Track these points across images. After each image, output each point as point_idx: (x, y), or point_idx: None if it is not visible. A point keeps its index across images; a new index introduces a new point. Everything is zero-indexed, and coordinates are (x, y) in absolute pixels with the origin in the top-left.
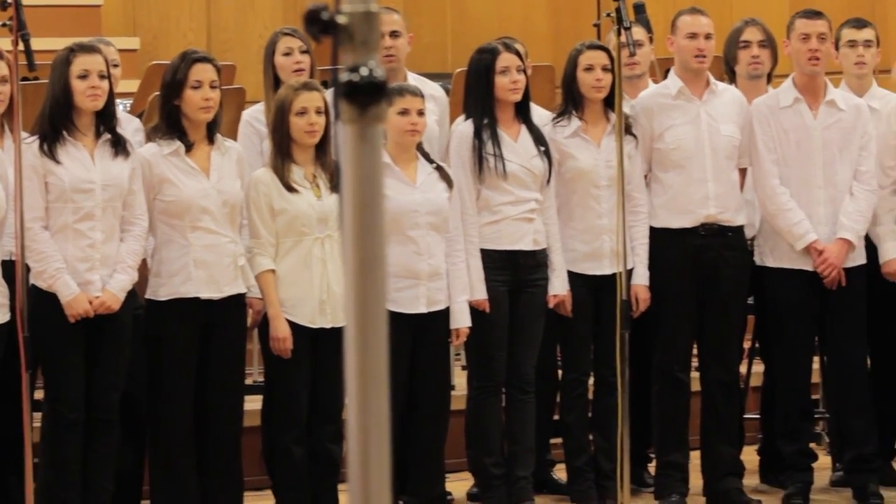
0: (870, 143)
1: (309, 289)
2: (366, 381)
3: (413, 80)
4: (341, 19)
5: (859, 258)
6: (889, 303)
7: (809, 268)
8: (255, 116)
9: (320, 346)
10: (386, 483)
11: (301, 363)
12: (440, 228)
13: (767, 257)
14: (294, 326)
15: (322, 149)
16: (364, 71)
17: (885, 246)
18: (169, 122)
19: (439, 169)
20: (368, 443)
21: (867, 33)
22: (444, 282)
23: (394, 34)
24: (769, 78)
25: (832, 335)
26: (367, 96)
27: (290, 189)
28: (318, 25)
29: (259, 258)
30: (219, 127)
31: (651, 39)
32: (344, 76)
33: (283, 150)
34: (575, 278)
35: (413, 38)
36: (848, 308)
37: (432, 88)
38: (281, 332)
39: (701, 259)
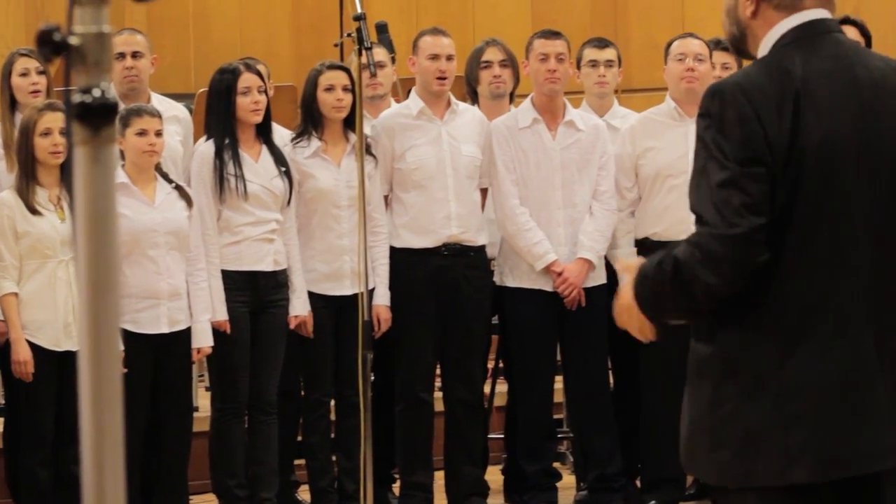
0: (609, 162)
1: (53, 311)
2: (100, 403)
3: (157, 100)
4: (73, 40)
5: (599, 278)
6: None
7: (549, 288)
8: None
9: (66, 368)
10: None
11: (46, 386)
12: (180, 248)
13: (507, 277)
14: (39, 349)
15: (67, 170)
16: (97, 92)
17: None
18: None
19: (178, 189)
20: (103, 465)
21: (609, 53)
22: (185, 301)
23: (136, 55)
24: (512, 97)
25: (573, 354)
26: (99, 118)
27: (34, 211)
28: (51, 46)
29: (1, 281)
30: None
31: (393, 60)
32: (76, 97)
33: (27, 171)
34: (316, 299)
35: (157, 60)
36: (588, 327)
37: (176, 109)
38: (22, 356)
39: (443, 279)
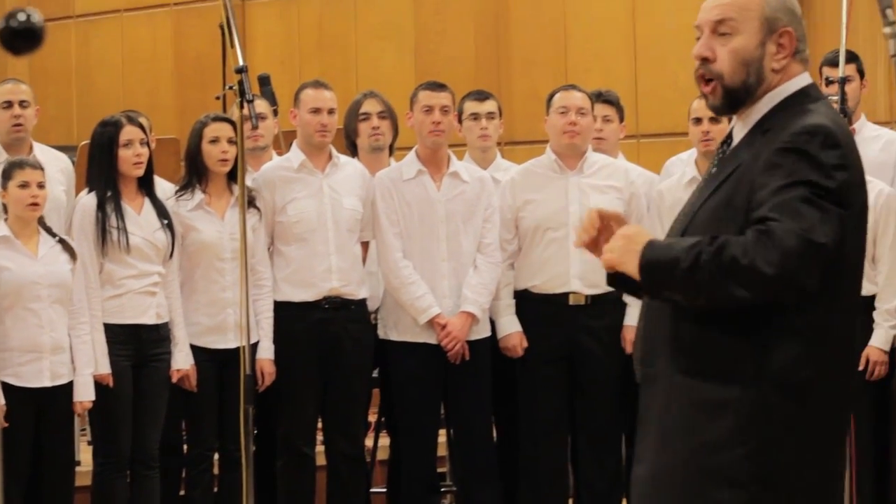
0: (493, 214)
1: None
2: None
3: (40, 150)
4: None
5: (483, 331)
6: (511, 375)
7: (433, 341)
8: None
9: None
10: None
11: None
12: (63, 301)
13: (391, 331)
14: None
15: None
16: None
17: (501, 320)
18: None
19: (62, 242)
20: None
21: (489, 105)
22: (68, 355)
23: (23, 104)
24: (391, 150)
25: (457, 407)
26: None
27: None
28: None
29: None
30: None
31: (276, 112)
32: None
33: None
34: (199, 352)
35: (39, 111)
36: (472, 381)
37: (59, 159)
38: None
39: (324, 332)
